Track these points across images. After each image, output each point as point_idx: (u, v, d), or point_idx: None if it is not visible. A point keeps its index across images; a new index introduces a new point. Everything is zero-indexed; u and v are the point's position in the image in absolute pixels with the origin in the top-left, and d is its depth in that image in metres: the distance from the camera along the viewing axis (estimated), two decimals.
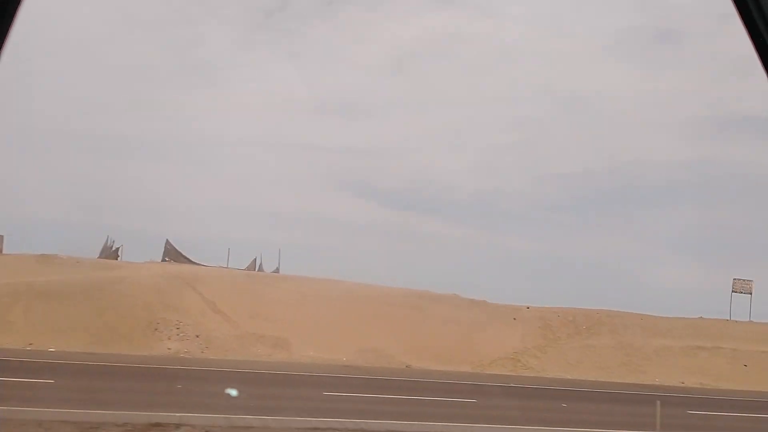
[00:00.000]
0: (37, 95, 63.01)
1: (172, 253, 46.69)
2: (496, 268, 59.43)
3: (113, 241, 46.10)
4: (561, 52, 69.57)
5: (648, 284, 58.68)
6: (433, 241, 64.37)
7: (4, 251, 41.27)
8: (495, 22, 70.14)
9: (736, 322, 43.19)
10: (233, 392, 18.80)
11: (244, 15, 74.05)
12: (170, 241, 47.08)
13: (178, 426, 15.20)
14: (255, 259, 48.35)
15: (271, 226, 65.63)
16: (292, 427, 16.36)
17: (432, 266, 59.85)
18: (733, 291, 45.33)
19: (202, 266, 44.45)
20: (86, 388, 19.12)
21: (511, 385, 26.41)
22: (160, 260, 45.85)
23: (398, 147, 71.49)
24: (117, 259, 44.50)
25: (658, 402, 18.24)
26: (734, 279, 45.43)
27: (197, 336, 29.69)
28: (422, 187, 70.80)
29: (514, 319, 36.86)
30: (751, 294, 45.32)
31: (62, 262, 37.03)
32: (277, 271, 47.28)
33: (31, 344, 26.67)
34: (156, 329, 29.66)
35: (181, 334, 29.66)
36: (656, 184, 68.85)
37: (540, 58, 72.14)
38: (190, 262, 45.69)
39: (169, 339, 29.24)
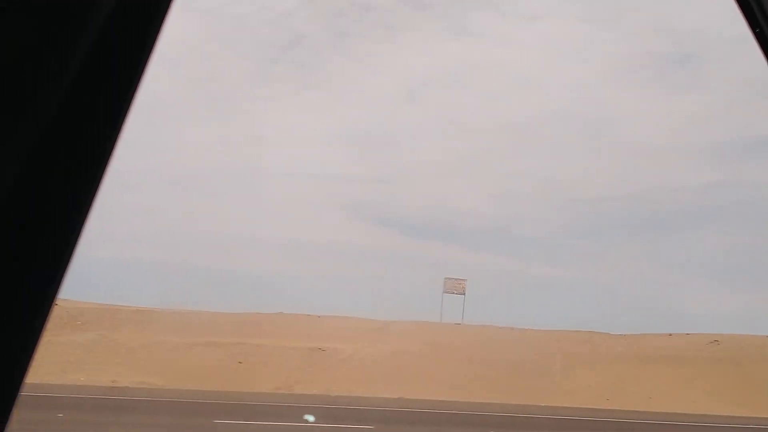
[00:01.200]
0: None
1: None
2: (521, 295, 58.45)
3: None
4: (578, 78, 67.55)
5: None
6: (454, 268, 64.49)
7: None
8: (510, 50, 70.52)
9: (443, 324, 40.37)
10: None
11: (260, 50, 76.60)
12: None
13: None
14: None
15: (285, 257, 66.99)
16: None
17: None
18: (444, 291, 42.95)
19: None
20: None
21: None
22: None
23: (415, 175, 72.42)
24: None
25: None
26: (446, 278, 42.92)
27: None
28: (440, 215, 71.29)
29: None
30: (464, 294, 42.99)
31: None
32: None
33: None
34: None
35: None
36: (677, 209, 68.77)
37: (556, 84, 70.51)
38: None
39: None
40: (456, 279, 44.42)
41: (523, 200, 67.83)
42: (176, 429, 16.66)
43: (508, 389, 25.56)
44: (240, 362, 25.55)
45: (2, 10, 1.15)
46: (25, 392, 1.32)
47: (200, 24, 75.35)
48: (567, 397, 26.08)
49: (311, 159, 69.13)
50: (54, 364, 22.09)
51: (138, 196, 70.71)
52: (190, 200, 69.32)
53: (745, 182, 63.62)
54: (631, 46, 68.77)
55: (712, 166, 65.33)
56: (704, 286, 67.88)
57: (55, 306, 1.26)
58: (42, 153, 1.21)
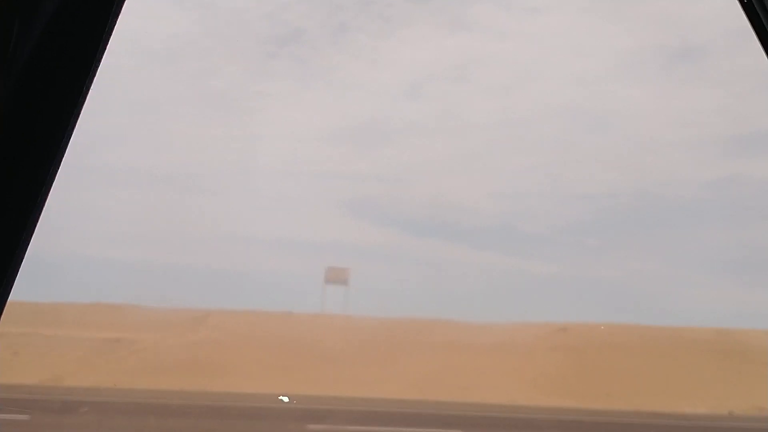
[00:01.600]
0: None
1: None
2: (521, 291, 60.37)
3: None
4: (580, 72, 69.66)
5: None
6: (457, 266, 63.75)
7: None
8: (512, 44, 70.09)
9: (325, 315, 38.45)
10: None
11: (258, 46, 75.93)
12: None
13: None
14: None
15: (287, 255, 65.68)
16: None
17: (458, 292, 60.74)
18: (326, 281, 41.61)
19: None
20: None
21: None
22: None
23: (417, 172, 71.86)
24: None
25: None
26: (327, 267, 40.83)
27: None
28: (443, 212, 70.48)
29: None
30: (346, 285, 41.17)
31: None
32: None
33: None
34: None
35: None
36: (681, 204, 68.66)
37: (558, 78, 71.69)
38: None
39: None
40: (338, 268, 43.33)
41: (526, 197, 71.77)
42: None
43: (304, 378, 24.55)
44: (16, 353, 24.35)
45: None
46: None
47: (194, 19, 74.35)
48: (373, 387, 25.15)
49: (310, 156, 73.15)
50: None
51: (129, 194, 70.01)
52: (183, 198, 68.44)
53: (753, 176, 68.03)
54: (636, 38, 72.27)
55: (719, 160, 69.46)
56: (707, 281, 68.08)
57: None
58: None
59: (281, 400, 22.57)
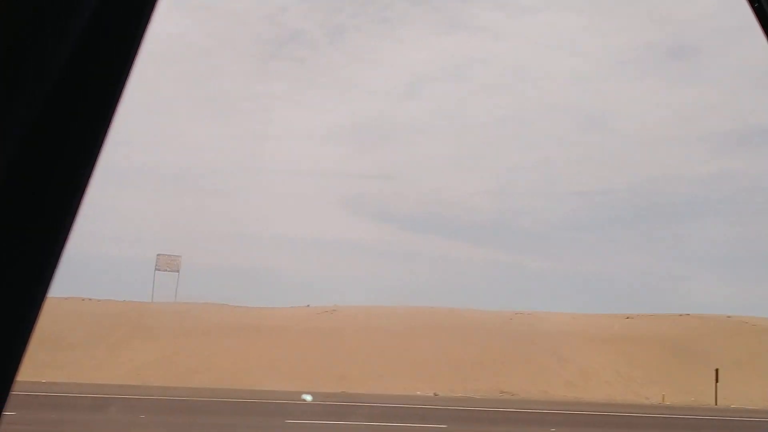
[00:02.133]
0: None
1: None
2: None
3: None
4: (576, 71, 67.80)
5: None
6: (456, 261, 64.19)
7: None
8: (507, 43, 68.45)
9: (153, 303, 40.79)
10: None
11: (257, 46, 68.91)
12: None
13: None
14: None
15: (287, 252, 64.05)
16: None
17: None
18: (156, 269, 42.22)
19: None
20: None
21: None
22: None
23: (416, 170, 68.74)
24: None
25: None
26: (158, 255, 42.34)
27: None
28: (442, 209, 68.25)
29: None
30: (178, 272, 42.19)
31: None
32: None
33: None
34: None
35: None
36: (677, 200, 66.57)
37: (555, 77, 69.69)
38: None
39: None
40: (169, 255, 43.00)
41: (523, 193, 68.40)
42: None
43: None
44: None
45: None
46: None
47: (196, 21, 68.82)
48: (87, 373, 25.69)
49: (310, 155, 67.14)
50: None
51: (134, 193, 62.88)
52: (187, 197, 61.55)
53: (744, 172, 64.61)
54: (629, 36, 68.89)
55: (710, 156, 65.72)
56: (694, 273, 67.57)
57: None
58: (29, 152, 1.17)
59: None
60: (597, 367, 34.31)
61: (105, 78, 1.30)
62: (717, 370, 30.90)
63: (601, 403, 27.94)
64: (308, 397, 22.19)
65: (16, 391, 1.14)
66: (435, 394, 28.19)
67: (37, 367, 23.21)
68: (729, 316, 44.33)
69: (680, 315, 44.34)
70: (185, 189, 62.15)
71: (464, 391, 28.91)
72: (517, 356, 33.46)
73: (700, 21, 66.59)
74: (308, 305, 41.14)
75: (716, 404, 29.79)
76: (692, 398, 31.06)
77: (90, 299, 40.42)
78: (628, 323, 42.21)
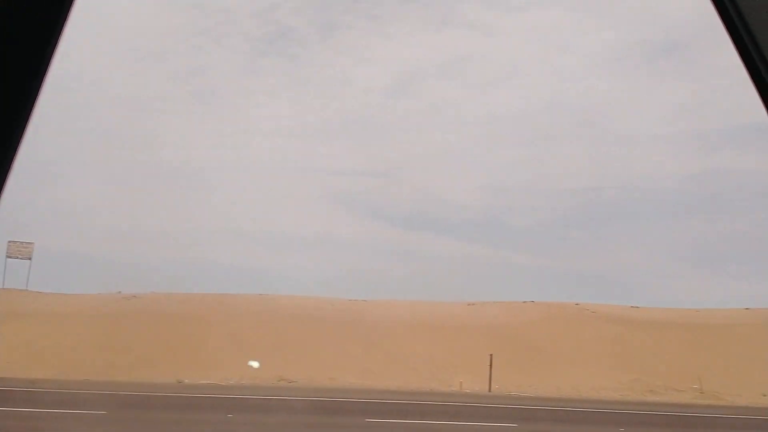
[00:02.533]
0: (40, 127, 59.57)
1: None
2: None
3: None
4: (564, 69, 69.95)
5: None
6: (445, 258, 64.82)
7: None
8: (498, 41, 71.08)
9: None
10: None
11: (247, 43, 71.50)
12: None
13: None
14: None
15: (276, 248, 66.17)
16: None
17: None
18: (8, 256, 42.18)
19: None
20: None
21: None
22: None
23: (407, 167, 70.69)
24: None
25: None
26: (9, 242, 42.27)
27: None
28: (432, 206, 70.28)
29: None
30: (30, 259, 42.27)
31: None
32: None
33: None
34: None
35: None
36: (664, 197, 68.35)
37: (544, 75, 71.64)
38: None
39: None
40: (21, 243, 43.32)
41: (514, 191, 70.22)
42: None
43: None
44: None
45: None
46: None
47: (186, 17, 66.96)
48: None
49: (302, 152, 69.11)
50: None
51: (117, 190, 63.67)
52: (173, 194, 64.06)
53: (731, 170, 68.02)
54: (619, 35, 72.22)
55: (699, 154, 68.87)
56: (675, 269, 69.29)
57: None
58: None
59: None
60: (408, 354, 34.92)
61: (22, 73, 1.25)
62: (491, 356, 31.60)
63: (384, 390, 28.48)
64: None
65: None
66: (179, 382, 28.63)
67: None
68: (577, 304, 45.17)
69: (524, 302, 45.17)
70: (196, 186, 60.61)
71: (242, 378, 29.48)
72: (311, 342, 34.06)
73: (688, 19, 68.11)
74: (119, 291, 41.81)
75: (489, 391, 30.57)
76: (497, 385, 31.81)
77: None
78: (469, 310, 42.97)
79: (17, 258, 43.54)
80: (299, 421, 19.60)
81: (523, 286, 70.55)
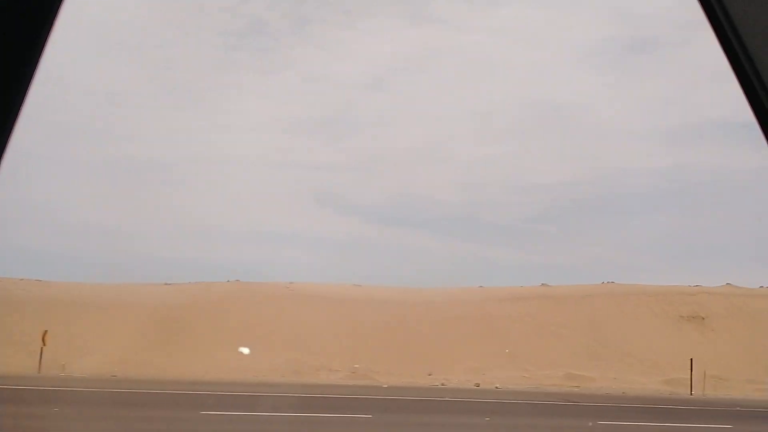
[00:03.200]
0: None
1: None
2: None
3: None
4: (538, 64, 67.98)
5: None
6: (420, 254, 62.88)
7: None
8: (472, 36, 67.36)
9: None
10: None
11: (219, 37, 68.18)
12: None
13: None
14: None
15: (251, 244, 63.60)
16: None
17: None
18: None
19: None
20: None
21: None
22: None
23: (381, 163, 68.12)
24: None
25: None
26: None
27: None
28: (407, 201, 67.60)
29: None
30: None
31: None
32: None
33: None
34: None
35: None
36: (636, 192, 67.69)
37: (518, 70, 69.61)
38: None
39: None
40: None
41: (489, 186, 68.22)
42: None
43: None
44: None
45: None
46: None
47: (158, 11, 65.98)
48: None
49: (275, 147, 65.50)
50: None
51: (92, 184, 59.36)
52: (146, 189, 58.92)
53: (700, 165, 65.63)
54: (592, 30, 68.36)
55: (669, 149, 66.43)
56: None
57: None
58: None
59: None
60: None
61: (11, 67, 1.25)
62: (45, 333, 28.17)
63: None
64: None
65: None
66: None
67: None
68: (290, 284, 45.84)
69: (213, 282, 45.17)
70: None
71: None
72: None
73: (660, 15, 69.35)
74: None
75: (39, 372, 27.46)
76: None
77: None
78: (165, 290, 42.62)
79: None
80: None
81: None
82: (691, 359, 32.25)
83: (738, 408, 25.09)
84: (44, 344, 27.83)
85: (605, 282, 48.37)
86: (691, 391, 31.54)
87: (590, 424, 18.26)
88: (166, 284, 44.57)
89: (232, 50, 65.81)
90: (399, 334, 37.51)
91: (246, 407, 18.81)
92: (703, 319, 42.15)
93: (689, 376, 32.05)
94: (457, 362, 34.47)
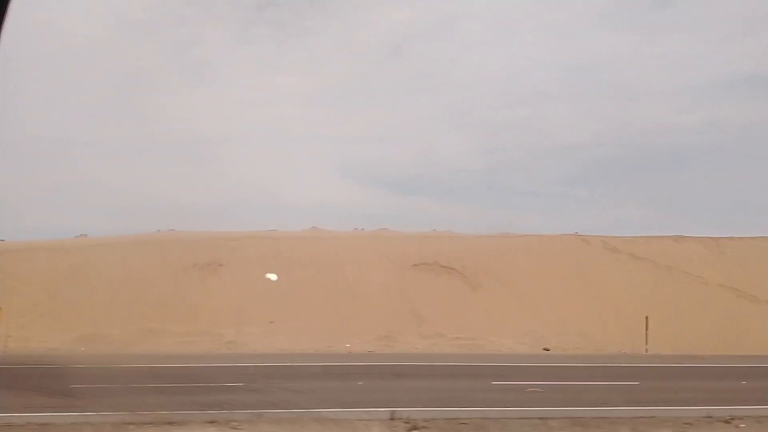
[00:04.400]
0: (27, 101, 58.77)
1: None
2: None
3: None
4: (559, 23, 66.55)
5: None
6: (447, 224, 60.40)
7: None
8: (489, 0, 66.89)
9: None
10: None
11: (237, 11, 69.04)
12: None
13: None
14: None
15: (278, 220, 64.15)
16: None
17: None
18: None
19: None
20: None
21: None
22: None
23: (404, 131, 67.24)
24: None
25: None
26: None
27: None
28: (431, 170, 66.75)
29: None
30: None
31: None
32: None
33: None
34: None
35: None
36: (665, 150, 66.41)
37: (539, 30, 68.18)
38: None
39: None
40: None
41: (513, 151, 67.45)
42: None
43: None
44: None
45: None
46: None
47: None
48: None
49: (298, 120, 64.65)
50: None
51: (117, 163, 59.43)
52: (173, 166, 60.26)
53: (729, 120, 64.02)
54: None
55: (696, 106, 66.68)
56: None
57: None
58: None
59: None
60: None
61: None
62: None
63: None
64: None
65: None
66: None
67: None
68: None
69: None
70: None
71: None
72: None
73: None
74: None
75: None
76: None
77: None
78: None
79: None
80: None
81: None
82: None
83: None
84: None
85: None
86: None
87: None
88: None
89: (250, 25, 67.22)
90: None
91: None
92: None
93: None
94: None
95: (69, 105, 62.88)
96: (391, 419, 11.86)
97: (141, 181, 58.76)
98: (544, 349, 31.35)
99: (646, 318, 31.23)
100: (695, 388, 18.52)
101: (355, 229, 42.38)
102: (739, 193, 65.99)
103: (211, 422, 11.71)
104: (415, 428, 11.42)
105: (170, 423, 11.59)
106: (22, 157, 58.02)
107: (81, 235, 42.74)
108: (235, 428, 11.34)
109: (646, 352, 30.16)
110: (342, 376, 19.57)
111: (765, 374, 22.73)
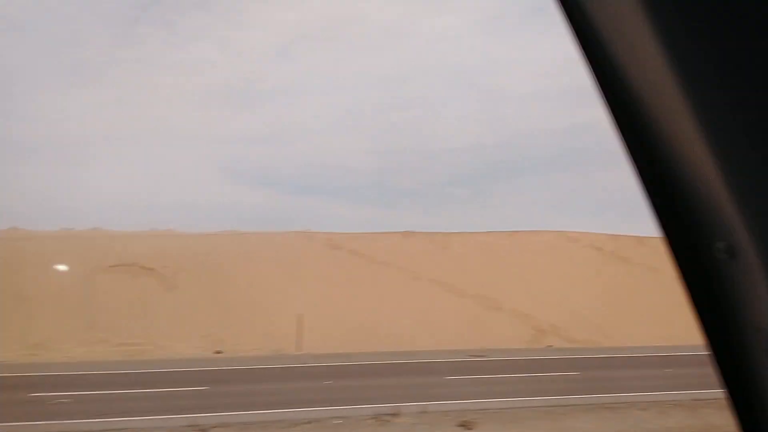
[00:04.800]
0: None
1: None
2: None
3: None
4: (444, 29, 67.81)
5: None
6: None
7: None
8: (377, 3, 67.23)
9: None
10: None
11: (121, 10, 65.61)
12: None
13: None
14: None
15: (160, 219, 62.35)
16: None
17: None
18: None
19: None
20: None
21: None
22: None
23: (293, 132, 66.75)
24: None
25: None
26: None
27: None
28: (321, 170, 66.61)
29: None
30: None
31: None
32: None
33: None
34: None
35: None
36: (540, 153, 69.67)
37: (423, 36, 69.22)
38: None
39: None
40: None
41: (401, 152, 66.67)
42: None
43: None
44: None
45: None
46: None
47: None
48: None
49: (183, 120, 62.51)
50: None
51: None
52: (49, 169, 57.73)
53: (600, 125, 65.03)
54: None
55: (575, 109, 67.26)
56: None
57: None
58: None
59: None
60: None
61: None
62: None
63: None
64: None
65: None
66: None
67: None
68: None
69: None
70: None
71: None
72: None
73: None
74: None
75: None
76: None
77: None
78: None
79: None
80: None
81: None
82: None
83: None
84: None
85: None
86: None
87: None
88: None
89: (135, 24, 64.04)
90: None
91: None
92: None
93: None
94: None
95: None
96: None
97: None
98: (216, 352, 29.50)
99: (300, 317, 30.35)
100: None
101: (62, 228, 38.99)
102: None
103: None
104: None
105: None
106: None
107: None
108: None
109: (299, 352, 29.01)
110: None
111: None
